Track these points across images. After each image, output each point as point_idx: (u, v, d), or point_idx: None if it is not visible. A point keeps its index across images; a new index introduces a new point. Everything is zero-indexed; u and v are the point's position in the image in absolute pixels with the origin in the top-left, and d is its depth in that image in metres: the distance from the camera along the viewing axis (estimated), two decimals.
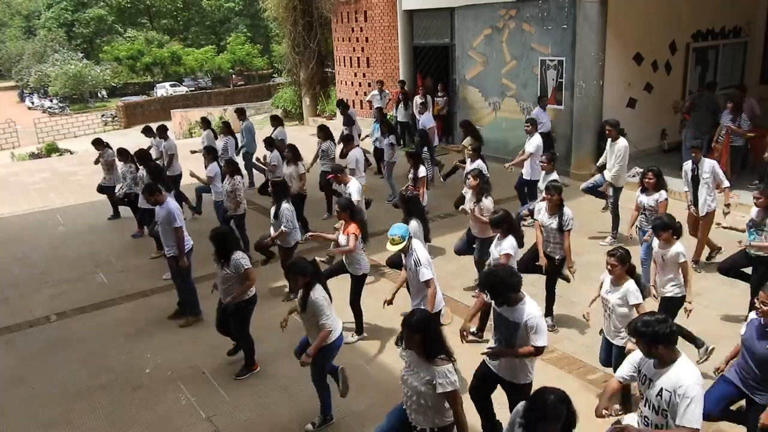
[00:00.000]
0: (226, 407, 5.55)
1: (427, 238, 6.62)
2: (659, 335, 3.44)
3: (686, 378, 3.42)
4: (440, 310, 5.53)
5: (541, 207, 6.62)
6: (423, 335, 3.68)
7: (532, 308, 4.20)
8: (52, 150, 23.72)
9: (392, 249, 5.42)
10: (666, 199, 6.97)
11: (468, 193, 7.42)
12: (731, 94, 11.21)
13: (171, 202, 7.04)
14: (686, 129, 11.28)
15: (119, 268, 9.04)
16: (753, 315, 4.21)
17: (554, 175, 7.82)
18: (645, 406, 3.61)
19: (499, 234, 5.91)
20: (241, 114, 13.37)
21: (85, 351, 6.72)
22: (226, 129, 12.08)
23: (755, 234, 6.16)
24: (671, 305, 5.50)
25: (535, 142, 9.30)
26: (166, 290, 7.39)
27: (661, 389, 3.48)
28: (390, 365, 5.96)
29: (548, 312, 6.55)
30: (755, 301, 4.11)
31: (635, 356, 3.80)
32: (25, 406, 5.79)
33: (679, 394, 3.39)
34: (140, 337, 6.94)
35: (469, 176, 7.21)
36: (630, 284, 4.87)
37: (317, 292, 4.80)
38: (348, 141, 10.19)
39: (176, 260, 6.92)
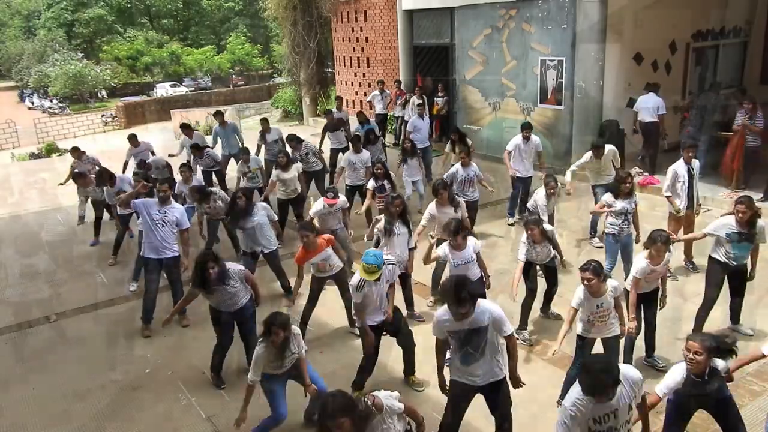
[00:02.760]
0: (226, 407, 5.55)
1: None
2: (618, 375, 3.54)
3: (628, 371, 3.69)
4: None
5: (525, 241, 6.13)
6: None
7: (485, 305, 4.20)
8: (52, 150, 23.69)
9: (369, 278, 5.16)
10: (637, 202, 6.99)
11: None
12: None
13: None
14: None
15: (119, 268, 9.04)
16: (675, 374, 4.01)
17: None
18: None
19: (456, 240, 5.75)
20: (219, 116, 12.21)
21: (85, 351, 6.72)
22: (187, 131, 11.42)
23: (748, 244, 5.76)
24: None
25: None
26: (166, 290, 7.37)
27: (627, 403, 3.61)
28: (390, 365, 5.95)
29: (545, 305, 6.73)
30: (685, 350, 3.90)
31: (568, 419, 3.57)
32: (25, 406, 5.79)
33: (638, 384, 3.66)
34: (140, 337, 6.93)
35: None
36: (611, 281, 4.97)
37: (298, 338, 4.78)
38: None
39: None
